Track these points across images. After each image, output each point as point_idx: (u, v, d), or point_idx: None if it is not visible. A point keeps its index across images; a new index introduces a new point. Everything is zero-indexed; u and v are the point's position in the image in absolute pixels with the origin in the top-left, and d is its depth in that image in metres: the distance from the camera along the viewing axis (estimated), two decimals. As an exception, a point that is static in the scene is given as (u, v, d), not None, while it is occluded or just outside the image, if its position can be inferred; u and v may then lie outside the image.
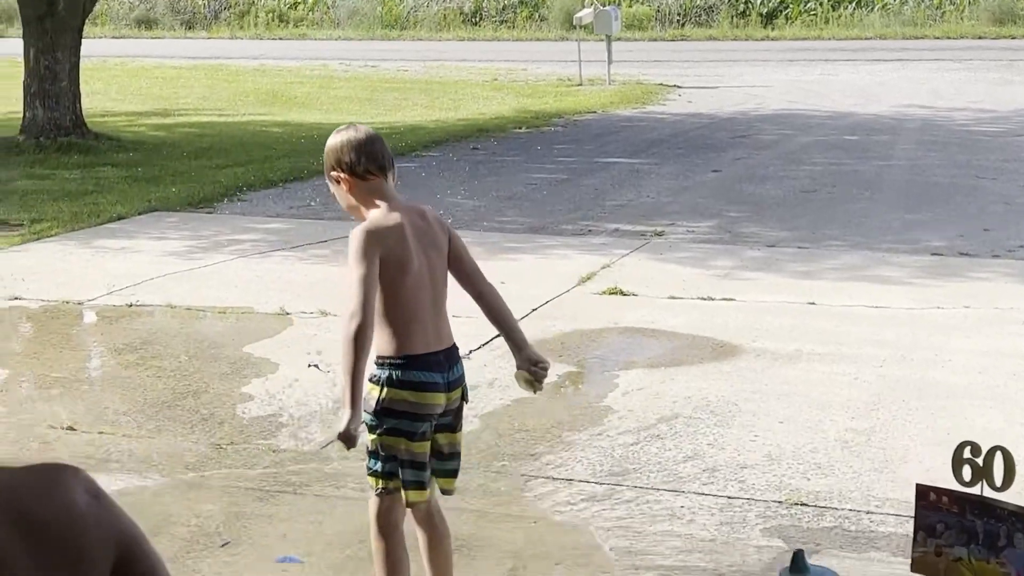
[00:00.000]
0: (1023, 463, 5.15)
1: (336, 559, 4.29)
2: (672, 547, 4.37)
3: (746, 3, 41.67)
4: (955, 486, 1.78)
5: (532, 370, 3.84)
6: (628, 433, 5.51)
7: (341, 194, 3.67)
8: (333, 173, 3.63)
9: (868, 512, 4.66)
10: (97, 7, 44.72)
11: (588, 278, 8.40)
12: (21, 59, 15.69)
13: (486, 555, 4.31)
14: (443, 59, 30.64)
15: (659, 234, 10.05)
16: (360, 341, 3.43)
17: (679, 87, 23.91)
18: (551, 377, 6.33)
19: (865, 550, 4.36)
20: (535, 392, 3.97)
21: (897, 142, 16.15)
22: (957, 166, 13.85)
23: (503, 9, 42.42)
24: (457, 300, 3.89)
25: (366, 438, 3.59)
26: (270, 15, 43.58)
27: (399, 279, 3.54)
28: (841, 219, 10.79)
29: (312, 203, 11.37)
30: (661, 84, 24.25)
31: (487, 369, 6.40)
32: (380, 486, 3.61)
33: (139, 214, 10.81)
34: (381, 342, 3.54)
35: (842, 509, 4.69)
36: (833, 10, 41.28)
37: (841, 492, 4.84)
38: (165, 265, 8.81)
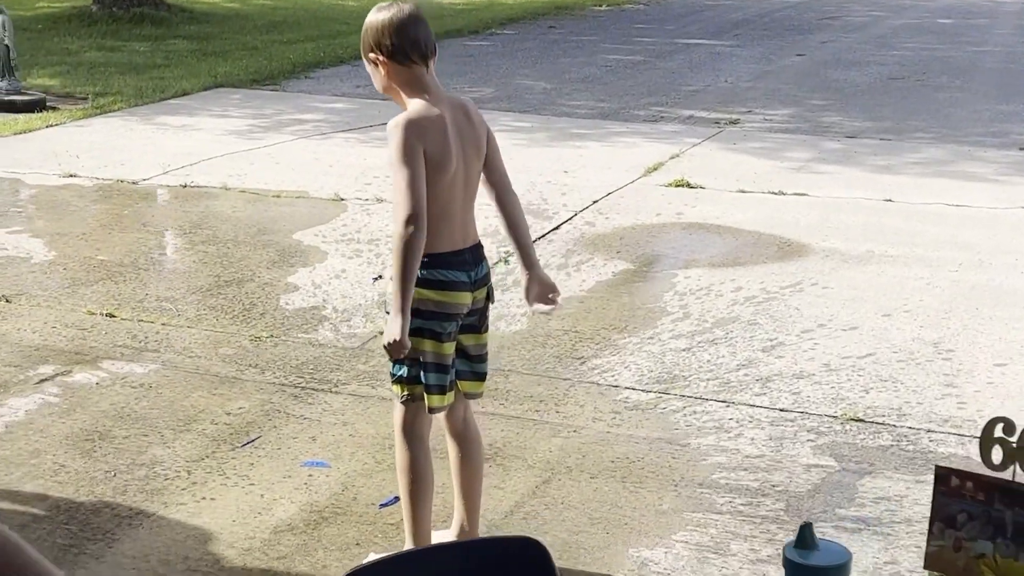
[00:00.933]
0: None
1: (365, 465, 4.14)
2: (716, 463, 4.16)
3: None
4: (982, 469, 1.52)
5: (545, 298, 3.69)
6: (681, 337, 5.27)
7: (378, 77, 3.37)
8: (372, 55, 3.33)
9: (928, 431, 4.40)
10: None
11: (655, 168, 8.09)
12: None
13: (519, 465, 4.13)
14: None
15: (734, 122, 9.68)
16: (416, 247, 3.25)
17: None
18: (606, 275, 6.15)
19: (922, 472, 4.10)
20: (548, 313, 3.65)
21: (994, 27, 15.44)
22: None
23: None
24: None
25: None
26: None
27: (436, 178, 3.31)
28: (928, 109, 10.32)
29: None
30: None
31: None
32: (405, 393, 3.43)
33: (203, 90, 10.65)
34: None
35: (901, 427, 4.43)
36: None
37: (901, 408, 4.58)
38: (224, 145, 8.65)
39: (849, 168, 8.25)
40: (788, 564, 1.63)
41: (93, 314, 5.48)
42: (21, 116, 9.54)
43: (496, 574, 1.90)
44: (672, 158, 8.38)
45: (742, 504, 3.89)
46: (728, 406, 4.61)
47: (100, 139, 8.85)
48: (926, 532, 1.59)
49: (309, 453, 4.20)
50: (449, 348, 3.43)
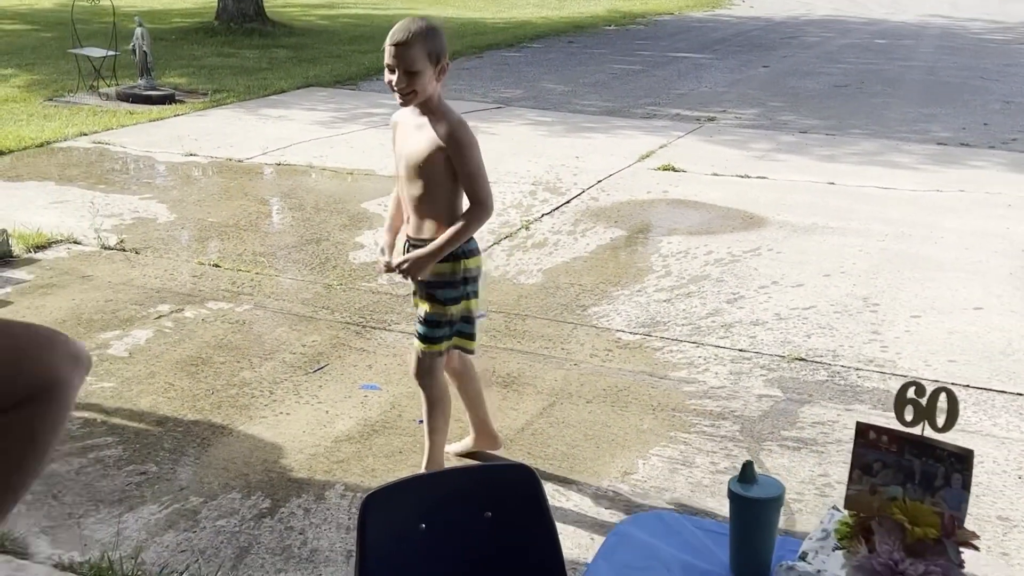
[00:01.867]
0: (996, 330, 4.68)
1: (408, 389, 4.01)
2: (687, 391, 4.02)
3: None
4: (897, 424, 1.38)
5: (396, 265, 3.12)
6: (663, 291, 5.11)
7: (432, 84, 2.91)
8: (445, 61, 2.92)
9: (857, 369, 4.24)
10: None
11: (647, 155, 7.89)
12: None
13: (529, 392, 4.00)
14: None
15: (711, 119, 9.43)
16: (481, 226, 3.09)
17: (743, -6, 22.61)
18: (605, 240, 5.99)
19: (851, 403, 3.96)
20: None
21: (919, 46, 15.02)
22: (967, 69, 12.81)
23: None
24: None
25: (426, 314, 3.14)
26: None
27: None
28: (865, 111, 10.02)
29: (434, 84, 10.92)
30: (729, -9, 22.96)
31: (552, 232, 6.02)
32: (441, 348, 3.18)
33: (297, 88, 10.48)
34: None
35: (835, 366, 4.27)
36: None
37: (835, 351, 4.42)
38: (311, 132, 8.50)
39: (801, 157, 8.02)
40: (732, 495, 1.51)
41: (203, 264, 5.38)
42: (155, 107, 9.42)
43: (493, 495, 1.78)
44: (661, 147, 8.17)
45: (706, 425, 3.75)
46: (698, 346, 4.46)
47: (215, 126, 8.73)
48: (851, 454, 1.45)
49: (366, 378, 4.10)
50: (477, 303, 3.23)
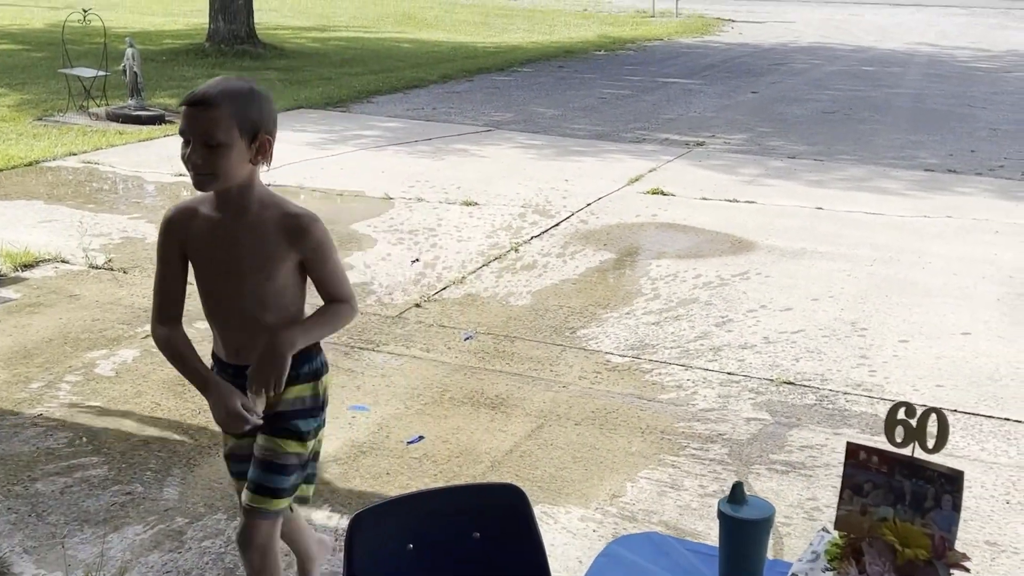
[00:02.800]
0: (984, 355, 4.70)
1: (397, 410, 4.01)
2: (676, 414, 4.02)
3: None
4: (887, 445, 1.39)
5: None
6: (652, 314, 5.12)
7: (243, 166, 2.16)
8: (265, 137, 2.19)
9: (845, 393, 4.25)
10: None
11: (636, 179, 7.92)
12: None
13: (518, 414, 4.00)
14: (545, -8, 29.59)
15: (700, 144, 9.48)
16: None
17: (733, 21, 22.76)
18: (595, 262, 5.99)
19: (839, 427, 3.96)
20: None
21: (906, 74, 15.15)
22: (954, 96, 12.92)
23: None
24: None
25: (276, 455, 2.35)
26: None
27: None
28: (853, 137, 10.08)
29: (425, 108, 10.95)
30: (719, 18, 23.13)
31: (541, 255, 6.03)
32: (288, 503, 2.41)
33: (288, 110, 10.49)
34: None
35: (823, 389, 4.28)
36: (865, -38, 39.04)
37: (824, 374, 4.43)
38: (301, 153, 8.50)
39: (789, 182, 8.06)
40: (722, 516, 1.50)
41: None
42: (144, 127, 9.42)
43: (481, 515, 1.77)
44: (650, 171, 8.20)
45: (695, 448, 3.75)
46: (687, 369, 4.46)
47: (205, 147, 8.71)
48: (842, 475, 1.45)
49: (354, 399, 4.08)
50: None
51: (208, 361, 2.39)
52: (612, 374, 4.39)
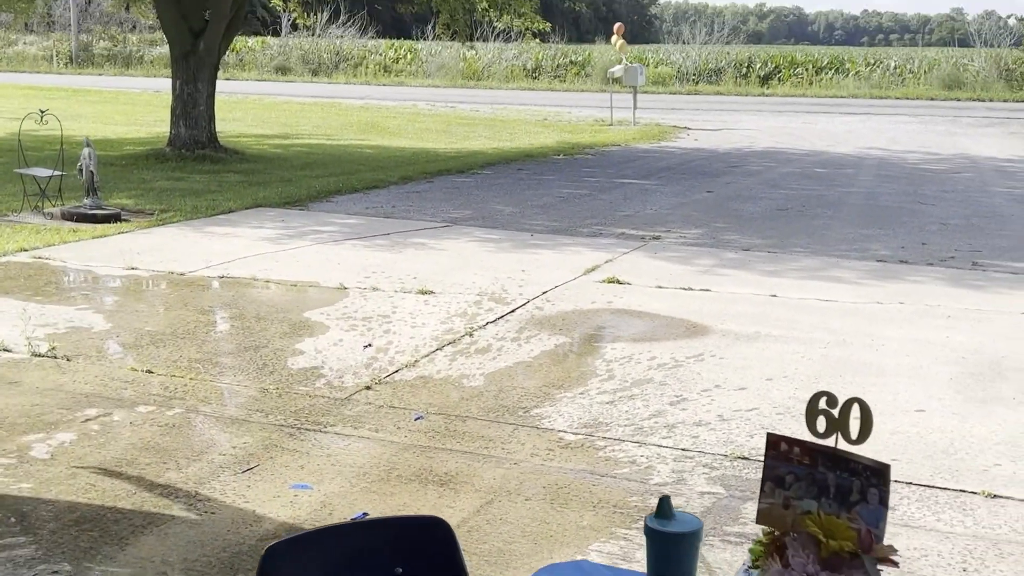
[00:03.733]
0: (938, 431, 4.67)
1: (342, 488, 3.90)
2: (629, 489, 3.94)
3: (747, 67, 40.82)
4: (808, 437, 1.34)
5: None
6: (606, 393, 5.06)
7: None
8: None
9: (800, 468, 4.18)
10: (244, 56, 44.84)
11: (592, 269, 7.95)
12: (152, 92, 15.44)
13: (467, 490, 3.89)
14: (508, 103, 30.20)
15: (656, 238, 9.57)
16: None
17: (689, 128, 23.27)
18: (550, 346, 5.95)
19: (795, 500, 3.89)
20: None
21: (858, 175, 15.49)
22: (905, 194, 13.19)
23: (557, 67, 41.91)
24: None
25: None
26: (377, 66, 43.44)
27: None
28: (806, 231, 10.23)
29: (384, 206, 11.01)
30: (675, 126, 23.64)
31: (496, 339, 5.99)
32: None
33: (246, 208, 10.50)
34: None
35: (778, 464, 4.21)
36: (816, 74, 40.37)
37: (779, 450, 4.37)
38: (257, 247, 8.48)
39: (744, 272, 8.12)
40: (649, 532, 1.44)
41: (135, 371, 5.25)
42: (100, 225, 9.37)
43: (404, 549, 1.69)
44: (607, 262, 8.24)
45: (647, 522, 3.66)
46: (640, 446, 4.39)
47: (159, 242, 8.67)
48: (763, 467, 1.39)
49: (297, 478, 3.96)
50: None
51: None
52: (565, 451, 4.31)
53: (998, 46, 39.69)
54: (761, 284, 7.62)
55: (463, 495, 3.85)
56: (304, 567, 1.61)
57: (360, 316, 6.41)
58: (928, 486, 4.08)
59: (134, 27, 47.88)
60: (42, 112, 10.16)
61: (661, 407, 4.87)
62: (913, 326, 6.54)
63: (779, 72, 40.84)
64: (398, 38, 49.26)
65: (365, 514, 3.64)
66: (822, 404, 1.34)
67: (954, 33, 50.72)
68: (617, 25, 27.27)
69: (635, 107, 23.97)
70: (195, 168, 13.80)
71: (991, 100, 34.46)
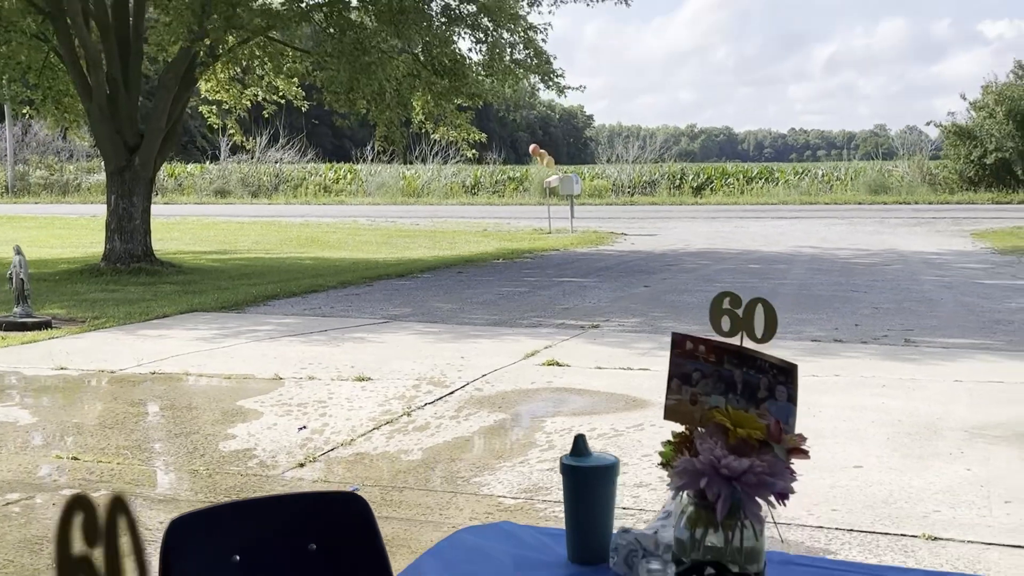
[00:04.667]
0: (876, 484, 4.66)
1: (273, 554, 3.76)
2: (569, 547, 3.86)
3: (680, 178, 41.93)
4: (715, 336, 1.34)
5: None
6: (546, 462, 5.00)
7: None
8: None
9: (742, 520, 4.14)
10: (183, 181, 45.01)
11: (532, 354, 7.94)
12: (89, 216, 15.39)
13: (403, 553, 3.79)
14: (448, 217, 30.56)
15: (595, 327, 9.62)
16: None
17: (626, 234, 23.70)
18: (489, 422, 5.90)
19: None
20: None
21: (791, 269, 15.82)
22: (837, 284, 13.48)
23: (495, 183, 42.67)
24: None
25: None
26: (317, 187, 43.82)
27: None
28: (743, 318, 10.35)
29: (323, 307, 10.96)
30: (612, 232, 24.08)
31: (435, 417, 5.92)
32: None
33: (180, 313, 10.38)
34: None
35: (720, 518, 4.17)
36: (747, 184, 41.55)
37: (720, 505, 4.33)
38: (191, 347, 8.35)
39: (682, 353, 8.16)
40: (564, 468, 1.41)
41: (61, 458, 5.08)
42: (30, 332, 9.18)
43: (319, 525, 1.63)
44: (546, 348, 8.25)
45: (588, 572, 3.58)
46: (580, 506, 4.33)
47: (90, 345, 8.51)
48: (668, 365, 1.38)
49: (227, 548, 3.83)
50: None
51: None
52: (504, 513, 4.23)
53: (921, 154, 41.40)
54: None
55: (399, 557, 3.73)
56: (212, 542, 1.54)
57: (295, 403, 6.31)
58: (869, 532, 4.06)
59: (71, 156, 47.95)
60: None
61: (601, 471, 4.82)
62: (849, 395, 6.60)
63: (711, 183, 41.98)
64: (338, 161, 49.86)
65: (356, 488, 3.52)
66: (726, 304, 1.35)
67: (879, 148, 52.79)
68: (532, 147, 28.00)
69: (572, 216, 24.42)
70: (130, 280, 13.67)
71: (916, 203, 35.69)
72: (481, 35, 15.82)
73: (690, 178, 41.93)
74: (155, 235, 15.74)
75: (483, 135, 19.28)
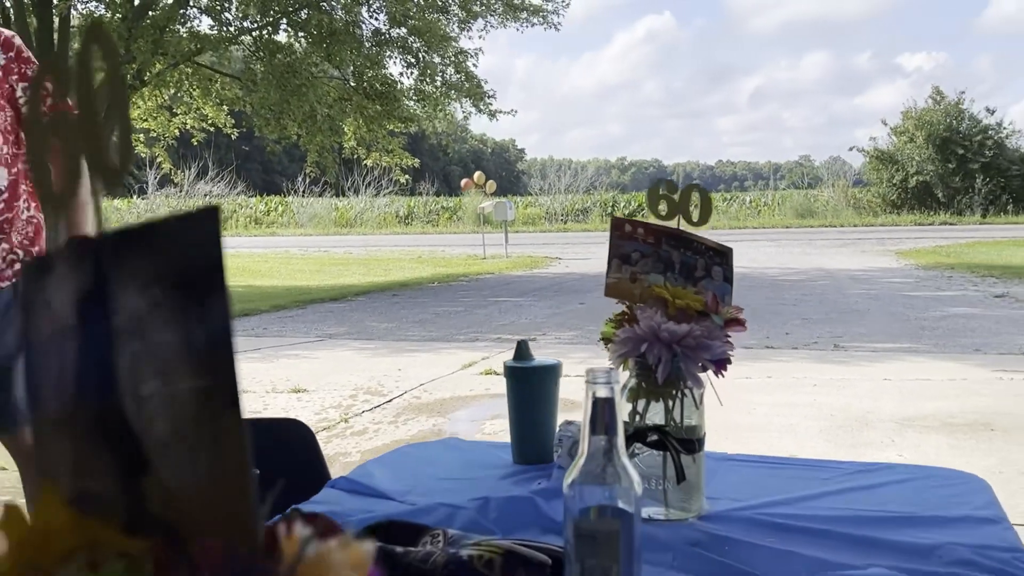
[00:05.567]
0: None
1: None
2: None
3: (612, 206, 42.42)
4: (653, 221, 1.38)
5: None
6: (485, 459, 5.01)
7: None
8: None
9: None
10: (108, 216, 44.24)
11: (470, 365, 7.96)
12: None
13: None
14: (382, 246, 30.50)
15: (532, 340, 9.66)
16: None
17: (560, 258, 23.89)
18: (427, 426, 5.88)
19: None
20: None
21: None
22: (767, 299, 13.73)
23: (429, 212, 42.72)
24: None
25: None
26: (247, 219, 43.44)
27: None
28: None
29: (255, 329, 10.85)
30: (546, 256, 24.25)
31: (372, 423, 5.90)
32: None
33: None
34: None
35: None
36: (678, 210, 42.18)
37: (660, 492, 4.37)
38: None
39: (619, 362, 8.23)
40: (508, 370, 1.44)
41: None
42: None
43: (260, 451, 1.63)
44: (484, 359, 8.27)
45: None
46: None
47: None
48: (608, 246, 1.42)
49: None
50: None
51: None
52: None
53: (845, 179, 42.48)
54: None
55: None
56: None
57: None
58: (806, 511, 4.13)
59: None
60: None
61: (541, 465, 4.84)
62: (783, 394, 6.72)
63: (642, 210, 42.61)
64: (268, 194, 49.54)
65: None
66: (662, 190, 1.39)
67: (804, 176, 54.18)
68: (464, 181, 28.17)
69: (507, 242, 24.55)
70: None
71: (841, 225, 36.57)
72: (412, 58, 15.90)
73: (622, 205, 42.45)
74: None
75: (415, 160, 19.35)
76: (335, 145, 17.42)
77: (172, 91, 16.75)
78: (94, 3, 13.99)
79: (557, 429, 1.42)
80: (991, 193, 37.29)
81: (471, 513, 1.30)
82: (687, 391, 1.35)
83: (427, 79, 16.02)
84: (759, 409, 6.16)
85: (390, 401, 6.53)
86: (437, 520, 1.25)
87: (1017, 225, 34.29)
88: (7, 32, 2.25)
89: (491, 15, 16.90)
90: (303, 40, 15.06)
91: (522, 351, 1.44)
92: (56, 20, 14.80)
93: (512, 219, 26.00)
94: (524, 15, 17.01)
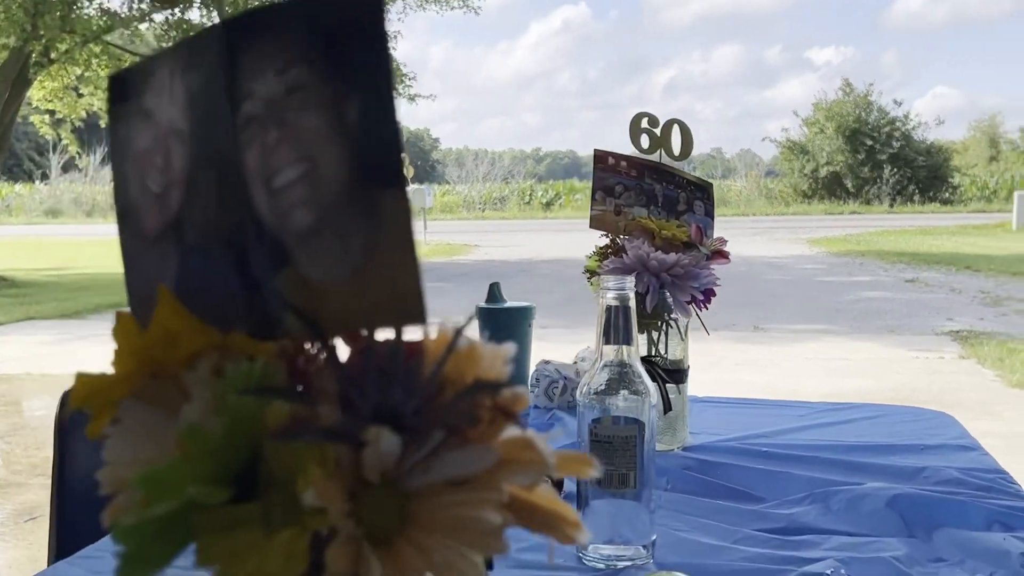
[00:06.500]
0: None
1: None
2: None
3: (530, 194, 42.58)
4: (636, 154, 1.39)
5: None
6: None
7: None
8: None
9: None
10: (11, 202, 42.84)
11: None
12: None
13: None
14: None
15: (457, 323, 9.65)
16: None
17: (479, 246, 23.90)
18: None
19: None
20: None
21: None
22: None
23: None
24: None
25: None
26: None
27: None
28: (594, 311, 10.58)
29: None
30: (465, 244, 24.24)
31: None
32: None
33: (16, 322, 9.87)
34: None
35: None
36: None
37: None
38: (33, 350, 7.95)
39: (540, 341, 8.27)
40: (480, 311, 1.42)
41: None
42: None
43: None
44: (408, 341, 8.23)
45: None
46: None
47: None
48: (592, 178, 1.43)
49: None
50: None
51: None
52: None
53: (757, 169, 43.34)
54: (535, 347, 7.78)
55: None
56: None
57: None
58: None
59: None
60: None
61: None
62: (706, 373, 6.82)
63: (560, 199, 42.80)
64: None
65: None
66: (644, 123, 1.39)
67: (717, 168, 55.15)
68: None
69: (425, 229, 24.45)
70: (-43, 294, 12.92)
71: (754, 215, 37.31)
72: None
73: (539, 194, 42.64)
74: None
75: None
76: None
77: (81, 70, 16.24)
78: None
79: (532, 369, 1.41)
80: (899, 183, 38.45)
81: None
82: (672, 322, 1.36)
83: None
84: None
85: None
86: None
87: (923, 214, 35.44)
88: None
89: (411, -4, 16.80)
90: (216, 19, 14.74)
91: (494, 294, 1.43)
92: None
93: (430, 206, 25.92)
94: (444, -3, 16.95)
